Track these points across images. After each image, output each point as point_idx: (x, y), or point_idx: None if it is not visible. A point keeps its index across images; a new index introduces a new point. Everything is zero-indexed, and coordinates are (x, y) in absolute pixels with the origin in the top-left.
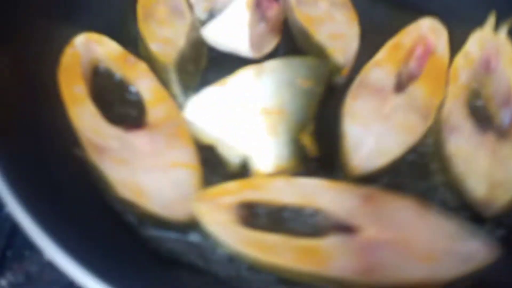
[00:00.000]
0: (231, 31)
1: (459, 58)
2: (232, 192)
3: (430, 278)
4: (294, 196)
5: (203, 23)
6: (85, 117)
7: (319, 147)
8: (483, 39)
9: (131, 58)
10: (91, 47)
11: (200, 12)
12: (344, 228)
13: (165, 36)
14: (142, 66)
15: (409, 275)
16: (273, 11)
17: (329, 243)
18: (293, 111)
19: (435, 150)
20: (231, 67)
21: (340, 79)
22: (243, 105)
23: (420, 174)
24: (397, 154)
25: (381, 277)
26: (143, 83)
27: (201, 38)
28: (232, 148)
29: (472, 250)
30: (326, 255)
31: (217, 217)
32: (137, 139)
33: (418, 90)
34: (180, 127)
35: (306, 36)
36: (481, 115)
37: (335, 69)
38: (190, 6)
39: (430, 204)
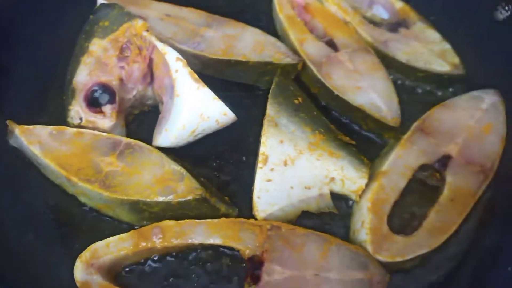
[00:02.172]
0: (207, 110)
1: None
2: None
3: None
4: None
5: None
6: None
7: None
8: None
9: (155, 229)
10: (97, 265)
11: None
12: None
13: (155, 177)
14: (170, 224)
15: None
16: None
17: None
18: (318, 125)
19: (392, 62)
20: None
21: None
22: (294, 158)
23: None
24: (392, 87)
25: None
26: (197, 235)
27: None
28: (321, 197)
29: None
30: None
31: None
32: None
33: (339, 38)
34: None
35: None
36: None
37: (292, 68)
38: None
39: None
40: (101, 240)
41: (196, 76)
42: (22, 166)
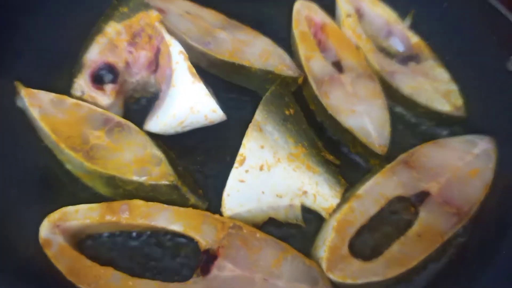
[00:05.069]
0: (198, 105)
1: (345, 19)
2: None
3: None
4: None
5: None
6: None
7: (334, 154)
8: None
9: (123, 206)
10: (63, 227)
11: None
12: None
13: (135, 157)
14: (139, 204)
15: None
16: None
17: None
18: (303, 138)
19: (395, 93)
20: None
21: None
22: (271, 165)
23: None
24: (387, 117)
25: None
26: (162, 219)
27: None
28: (291, 208)
29: None
30: None
31: None
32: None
33: (347, 61)
34: None
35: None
36: (390, 54)
37: (292, 81)
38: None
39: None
40: None
41: (194, 71)
42: (23, 127)
